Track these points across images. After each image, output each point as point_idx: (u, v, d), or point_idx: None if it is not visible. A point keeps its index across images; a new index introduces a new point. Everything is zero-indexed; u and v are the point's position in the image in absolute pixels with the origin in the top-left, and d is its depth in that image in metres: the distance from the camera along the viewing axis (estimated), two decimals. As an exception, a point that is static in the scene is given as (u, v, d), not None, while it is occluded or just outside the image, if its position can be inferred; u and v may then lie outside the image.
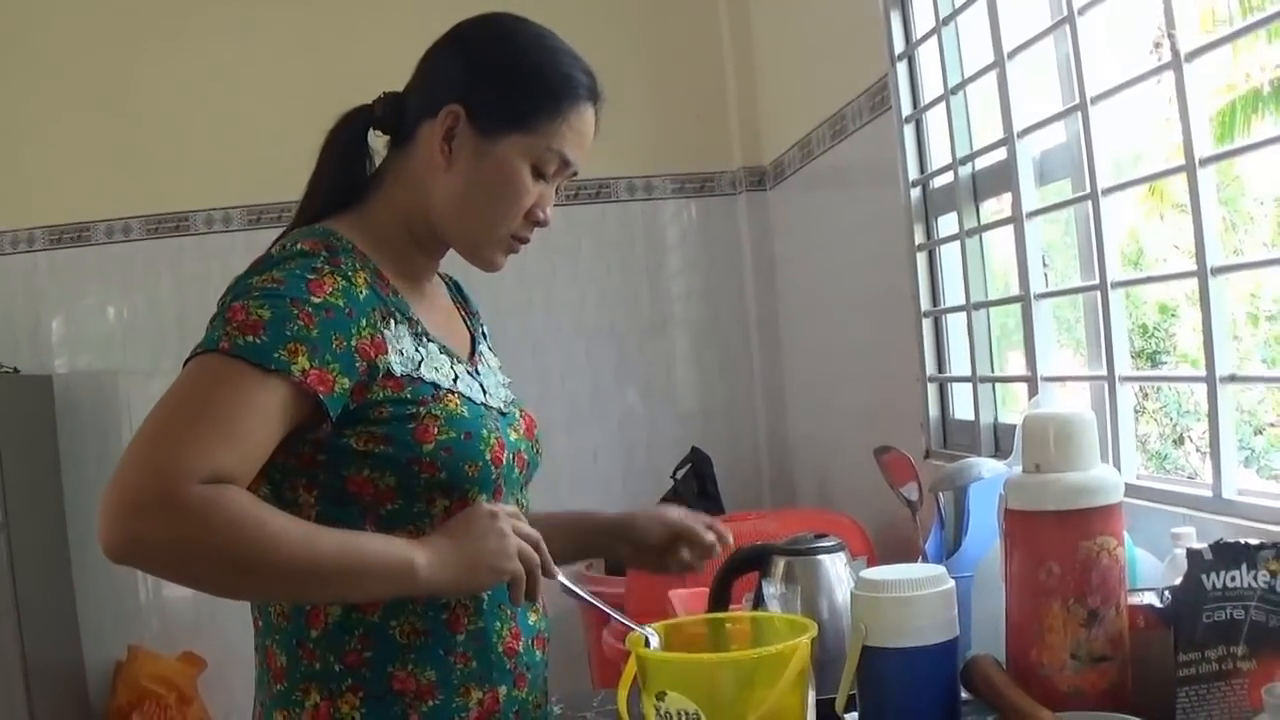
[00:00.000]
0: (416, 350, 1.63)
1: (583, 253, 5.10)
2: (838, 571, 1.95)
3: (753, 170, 5.11)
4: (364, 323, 1.54)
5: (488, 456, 1.64)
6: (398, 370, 1.57)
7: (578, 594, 1.75)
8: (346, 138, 1.73)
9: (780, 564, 1.96)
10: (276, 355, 1.45)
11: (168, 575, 1.49)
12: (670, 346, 5.20)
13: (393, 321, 1.60)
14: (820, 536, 2.00)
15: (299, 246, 1.57)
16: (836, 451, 4.42)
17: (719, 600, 2.03)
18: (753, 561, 2.02)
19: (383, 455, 1.56)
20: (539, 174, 1.68)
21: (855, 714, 1.67)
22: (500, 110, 1.66)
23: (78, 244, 5.00)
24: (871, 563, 2.75)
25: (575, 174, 1.74)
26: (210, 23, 4.93)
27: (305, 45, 4.91)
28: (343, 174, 1.73)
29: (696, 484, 4.67)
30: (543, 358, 5.01)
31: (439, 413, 1.59)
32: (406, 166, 1.71)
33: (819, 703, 1.69)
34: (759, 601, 1.97)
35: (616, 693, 1.73)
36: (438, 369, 1.64)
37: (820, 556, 1.96)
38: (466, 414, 1.63)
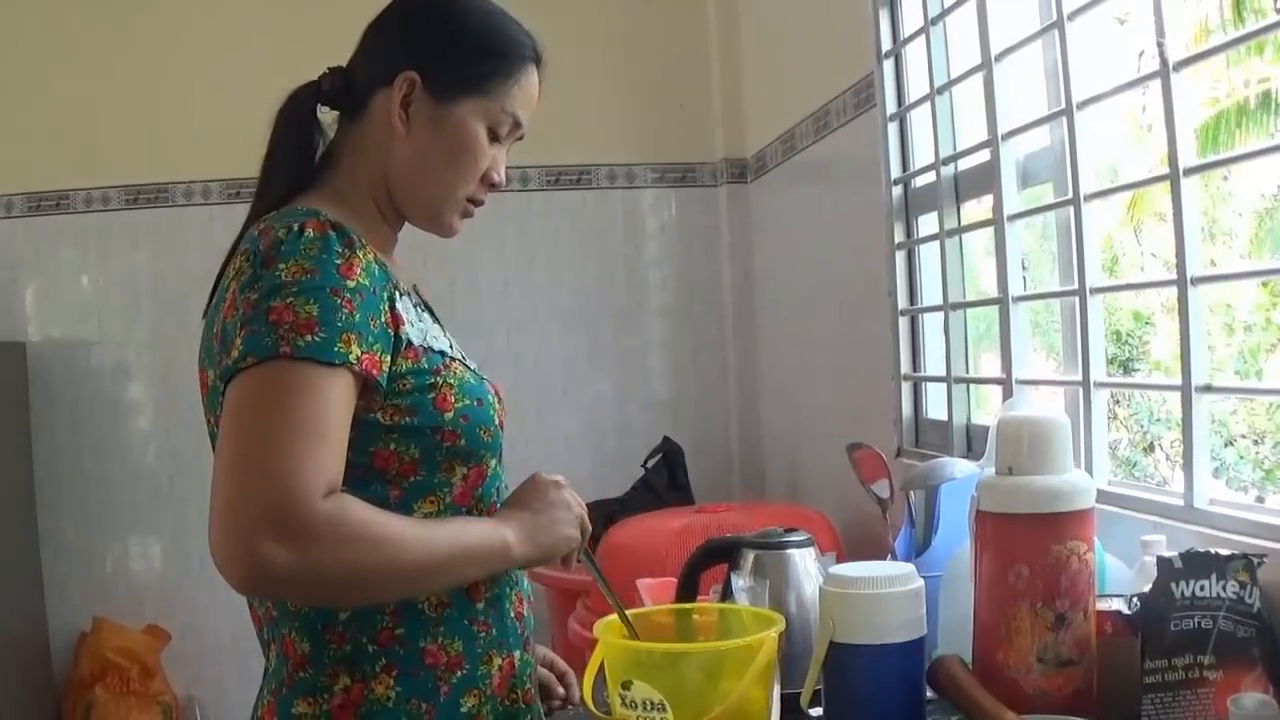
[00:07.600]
0: (419, 319, 1.64)
1: (560, 239, 5.07)
2: (807, 566, 1.96)
3: (734, 162, 5.09)
4: (385, 297, 1.55)
5: (497, 422, 1.67)
6: (416, 341, 1.58)
7: (594, 566, 1.80)
8: (297, 115, 1.73)
9: (749, 557, 1.97)
10: (337, 349, 1.44)
11: (300, 598, 1.53)
12: (645, 336, 5.18)
13: (398, 293, 1.60)
14: (790, 531, 2.01)
15: (308, 231, 1.52)
16: (808, 446, 4.42)
17: (687, 591, 2.03)
18: (722, 553, 2.02)
19: (407, 427, 1.56)
20: (493, 136, 1.70)
21: (820, 709, 1.67)
22: (455, 75, 1.67)
23: (56, 212, 4.95)
24: (840, 559, 2.75)
25: (522, 136, 1.76)
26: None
27: (290, 19, 4.86)
28: (297, 152, 1.73)
29: (667, 474, 4.66)
30: (516, 342, 4.97)
31: (453, 381, 1.61)
32: (362, 138, 1.71)
33: (784, 697, 1.69)
34: (727, 594, 1.97)
35: (582, 681, 1.73)
36: (438, 336, 1.66)
37: (790, 551, 1.96)
38: (472, 380, 1.65)
